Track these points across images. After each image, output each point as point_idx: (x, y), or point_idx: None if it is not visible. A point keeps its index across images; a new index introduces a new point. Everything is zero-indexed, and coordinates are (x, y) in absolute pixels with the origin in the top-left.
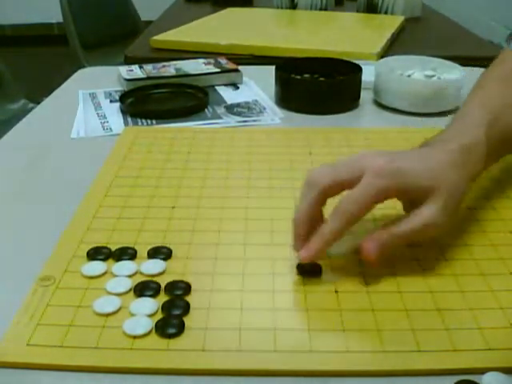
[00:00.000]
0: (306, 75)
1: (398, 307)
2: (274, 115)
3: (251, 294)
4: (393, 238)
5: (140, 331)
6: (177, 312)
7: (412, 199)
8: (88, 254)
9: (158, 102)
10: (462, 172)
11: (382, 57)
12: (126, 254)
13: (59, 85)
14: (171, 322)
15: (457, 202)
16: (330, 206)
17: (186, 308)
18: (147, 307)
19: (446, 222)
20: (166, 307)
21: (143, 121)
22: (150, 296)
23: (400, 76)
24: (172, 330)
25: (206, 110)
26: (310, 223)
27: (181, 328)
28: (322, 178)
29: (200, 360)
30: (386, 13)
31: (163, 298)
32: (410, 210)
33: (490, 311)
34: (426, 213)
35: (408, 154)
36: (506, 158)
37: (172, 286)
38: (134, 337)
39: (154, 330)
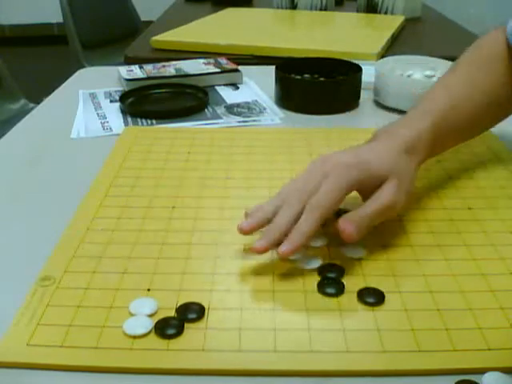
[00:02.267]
0: (306, 75)
1: (397, 307)
2: (274, 115)
3: (251, 294)
4: (363, 218)
5: (140, 331)
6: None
7: (370, 188)
8: None
9: (157, 102)
10: (407, 159)
11: (382, 57)
12: None
13: (59, 85)
14: (171, 323)
15: (408, 182)
16: None
17: (186, 307)
18: (147, 307)
19: (402, 199)
20: (165, 307)
21: (143, 121)
22: (150, 295)
23: (400, 76)
24: (172, 331)
25: (205, 110)
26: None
27: (180, 328)
28: (298, 197)
29: (200, 360)
30: (386, 13)
31: (162, 296)
32: (368, 198)
33: (490, 311)
34: (386, 193)
35: (362, 149)
36: (505, 158)
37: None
38: (134, 337)
39: (153, 330)
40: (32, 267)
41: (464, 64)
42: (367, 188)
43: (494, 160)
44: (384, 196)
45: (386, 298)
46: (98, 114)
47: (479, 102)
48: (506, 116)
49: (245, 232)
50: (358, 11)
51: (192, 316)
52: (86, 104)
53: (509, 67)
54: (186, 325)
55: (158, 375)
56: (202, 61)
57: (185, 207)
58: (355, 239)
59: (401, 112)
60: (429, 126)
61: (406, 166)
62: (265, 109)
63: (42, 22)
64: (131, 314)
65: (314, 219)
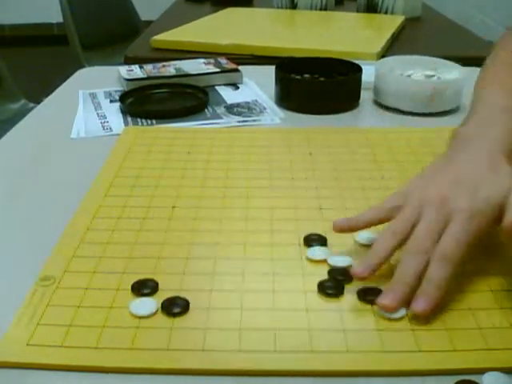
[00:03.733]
0: (306, 75)
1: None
2: (274, 115)
3: (251, 293)
4: None
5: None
6: (176, 310)
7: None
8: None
9: (158, 102)
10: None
11: (382, 57)
12: None
13: (59, 85)
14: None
15: None
16: None
17: (186, 307)
18: (146, 307)
19: None
20: (165, 306)
21: (143, 121)
22: (149, 295)
23: (400, 76)
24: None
25: (205, 109)
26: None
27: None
28: (456, 251)
29: (200, 360)
30: (386, 13)
31: (162, 296)
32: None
33: (490, 311)
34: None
35: (470, 175)
36: None
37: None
38: (134, 336)
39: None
40: (32, 267)
41: (501, 63)
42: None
43: None
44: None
45: None
46: (98, 114)
47: None
48: None
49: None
50: (358, 11)
51: (177, 310)
52: (86, 104)
53: None
54: (186, 324)
55: (158, 375)
56: (201, 61)
57: (185, 207)
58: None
59: (401, 112)
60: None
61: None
62: (265, 109)
63: (42, 22)
64: (131, 314)
65: (447, 274)
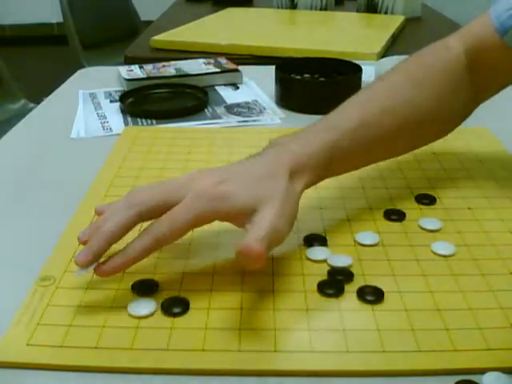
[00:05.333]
0: (306, 75)
1: (397, 307)
2: (274, 115)
3: (251, 293)
4: (261, 240)
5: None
6: (176, 310)
7: (241, 219)
8: None
9: (158, 102)
10: (290, 181)
11: (382, 57)
12: None
13: (59, 85)
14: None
15: (289, 208)
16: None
17: (186, 307)
18: (146, 307)
19: (285, 227)
20: (165, 306)
21: (143, 121)
22: (149, 295)
23: None
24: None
25: (205, 109)
26: (113, 239)
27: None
28: (144, 199)
29: (200, 360)
30: (386, 13)
31: (162, 296)
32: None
33: (490, 311)
34: (266, 218)
35: (240, 171)
36: (505, 158)
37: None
38: (134, 337)
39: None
40: (32, 267)
41: (396, 73)
42: (235, 219)
43: (494, 160)
44: (266, 220)
45: (385, 298)
46: (98, 114)
47: (402, 118)
48: (441, 135)
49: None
50: (358, 11)
51: (177, 310)
52: (86, 104)
53: (456, 81)
54: (185, 324)
55: (158, 375)
56: (201, 61)
57: None
58: (264, 255)
59: None
60: (327, 143)
61: (285, 190)
62: (265, 109)
63: (42, 22)
64: (130, 315)
65: (145, 246)
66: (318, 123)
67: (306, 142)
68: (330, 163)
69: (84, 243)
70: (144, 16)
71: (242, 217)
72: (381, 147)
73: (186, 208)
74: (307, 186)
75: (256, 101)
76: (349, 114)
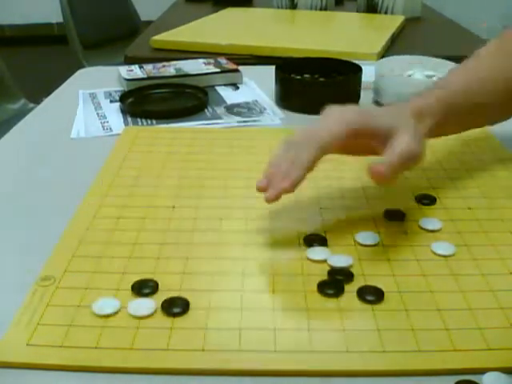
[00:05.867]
0: (306, 75)
1: (397, 307)
2: (274, 115)
3: (251, 293)
4: (390, 166)
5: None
6: (176, 310)
7: (381, 139)
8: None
9: (158, 102)
10: (415, 122)
11: (382, 57)
12: None
13: (59, 85)
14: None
15: (421, 137)
16: None
17: (186, 307)
18: (146, 307)
19: (420, 149)
20: (165, 306)
21: (143, 121)
22: (149, 295)
23: (400, 76)
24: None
25: (205, 110)
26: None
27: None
28: (324, 134)
29: (200, 360)
30: (386, 13)
31: (162, 296)
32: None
33: (490, 311)
34: (403, 139)
35: (373, 109)
36: (505, 158)
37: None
38: (134, 337)
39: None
40: (32, 267)
41: (488, 51)
42: (377, 138)
43: (494, 160)
44: (403, 141)
45: (385, 298)
46: (97, 114)
47: (501, 88)
48: None
49: (263, 189)
50: (358, 11)
51: (177, 310)
52: (86, 104)
53: None
54: (185, 324)
55: (158, 375)
56: (201, 61)
57: (185, 207)
58: (388, 179)
59: None
60: (440, 100)
61: (414, 126)
62: (265, 109)
63: (42, 22)
64: (130, 315)
65: (313, 157)
66: (431, 87)
67: (423, 96)
68: (444, 117)
69: (264, 190)
70: (144, 16)
71: (382, 138)
72: (486, 112)
73: (339, 116)
74: (429, 132)
75: (256, 101)
76: (459, 79)
